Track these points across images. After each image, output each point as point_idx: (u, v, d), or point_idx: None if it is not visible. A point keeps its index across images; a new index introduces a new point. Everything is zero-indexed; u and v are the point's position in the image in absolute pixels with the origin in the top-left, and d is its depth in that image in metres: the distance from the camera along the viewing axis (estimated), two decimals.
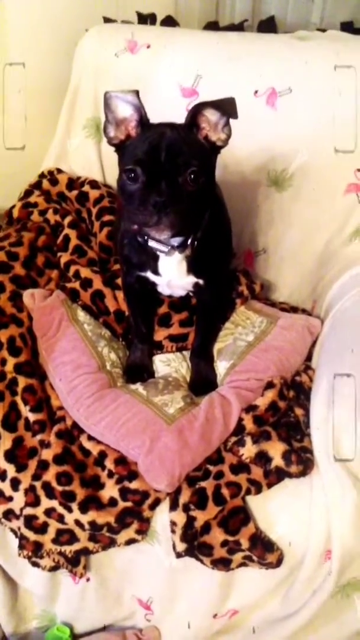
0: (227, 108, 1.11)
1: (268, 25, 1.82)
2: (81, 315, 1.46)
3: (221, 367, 1.39)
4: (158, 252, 1.25)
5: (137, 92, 1.12)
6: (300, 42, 1.64)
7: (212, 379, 1.38)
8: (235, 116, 1.11)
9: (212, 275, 1.33)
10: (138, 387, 1.34)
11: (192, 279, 1.31)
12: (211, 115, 1.12)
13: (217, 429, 1.23)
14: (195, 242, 1.24)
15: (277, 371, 1.34)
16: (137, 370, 1.40)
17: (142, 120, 1.13)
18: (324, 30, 1.75)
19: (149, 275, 1.32)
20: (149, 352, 1.44)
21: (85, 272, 1.51)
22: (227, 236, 1.39)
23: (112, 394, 1.29)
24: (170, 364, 1.43)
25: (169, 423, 1.23)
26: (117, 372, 1.39)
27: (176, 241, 1.21)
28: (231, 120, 1.14)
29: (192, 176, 1.07)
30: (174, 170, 1.07)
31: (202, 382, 1.38)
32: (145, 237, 1.21)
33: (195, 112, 1.11)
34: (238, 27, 1.84)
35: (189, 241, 1.23)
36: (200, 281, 1.32)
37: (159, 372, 1.42)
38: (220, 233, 1.32)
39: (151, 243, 1.22)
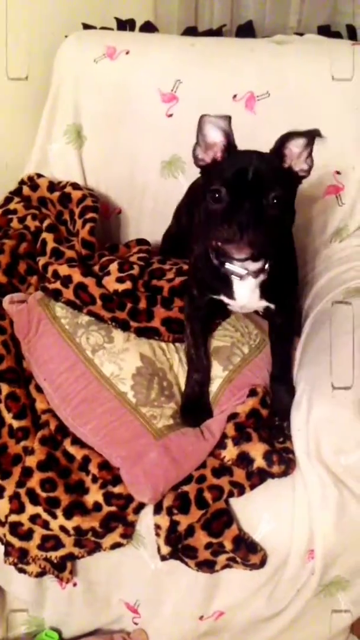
0: (313, 133, 1.13)
1: (246, 30, 1.83)
2: (59, 311, 1.42)
3: (217, 369, 1.37)
4: (232, 277, 1.25)
5: (229, 118, 1.14)
6: (278, 46, 1.65)
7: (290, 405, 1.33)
8: (320, 135, 1.13)
9: (283, 300, 1.34)
10: (128, 391, 1.31)
11: (264, 303, 1.31)
12: (295, 147, 1.13)
13: (207, 445, 1.24)
14: (270, 268, 1.23)
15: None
16: (196, 408, 1.34)
17: (230, 146, 1.15)
18: (301, 34, 1.77)
19: (223, 298, 1.32)
20: (207, 384, 1.37)
21: (63, 270, 1.45)
22: (295, 264, 1.39)
23: (99, 398, 1.29)
24: (166, 354, 1.40)
25: (157, 438, 1.23)
26: (101, 354, 1.35)
27: (253, 266, 1.20)
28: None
29: (275, 201, 1.08)
30: (259, 193, 1.07)
31: (282, 408, 1.34)
32: (222, 260, 1.21)
33: (283, 142, 1.13)
34: (217, 32, 1.85)
35: (266, 266, 1.22)
36: (272, 306, 1.32)
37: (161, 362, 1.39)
38: (290, 261, 1.34)
39: (228, 266, 1.21)
